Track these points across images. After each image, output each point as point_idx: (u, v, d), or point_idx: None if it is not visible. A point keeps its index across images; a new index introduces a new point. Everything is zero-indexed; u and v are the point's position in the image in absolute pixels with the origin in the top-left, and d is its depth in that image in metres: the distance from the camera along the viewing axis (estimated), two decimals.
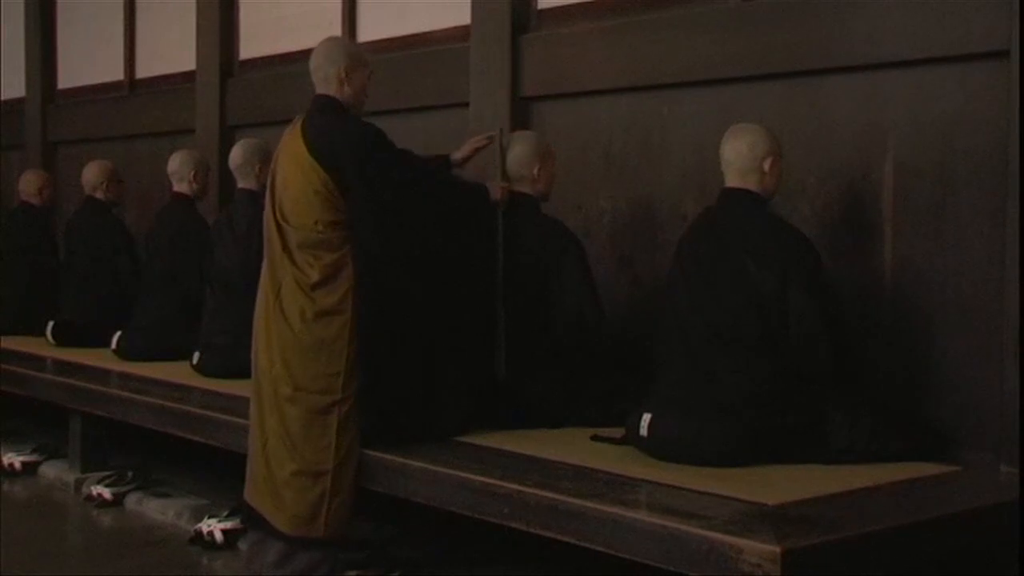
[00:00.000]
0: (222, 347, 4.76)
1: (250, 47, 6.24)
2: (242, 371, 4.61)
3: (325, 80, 3.76)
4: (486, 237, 3.81)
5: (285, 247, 3.60)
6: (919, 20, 3.53)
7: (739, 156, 3.48)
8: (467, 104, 4.80)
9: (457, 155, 3.96)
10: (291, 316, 3.55)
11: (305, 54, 5.81)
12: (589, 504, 2.88)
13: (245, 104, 6.14)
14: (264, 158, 4.91)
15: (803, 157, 3.82)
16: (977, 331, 3.43)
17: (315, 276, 3.54)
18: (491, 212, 3.83)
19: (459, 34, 5.02)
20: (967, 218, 3.47)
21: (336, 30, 5.66)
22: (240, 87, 6.20)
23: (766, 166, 3.49)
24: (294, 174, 3.63)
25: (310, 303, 3.54)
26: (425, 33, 5.25)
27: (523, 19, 4.70)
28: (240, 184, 5.00)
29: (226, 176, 5.59)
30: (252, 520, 3.65)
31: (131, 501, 4.67)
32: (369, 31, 5.55)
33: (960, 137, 3.49)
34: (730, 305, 3.34)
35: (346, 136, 3.61)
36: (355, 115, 3.75)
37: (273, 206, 3.66)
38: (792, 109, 3.88)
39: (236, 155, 4.98)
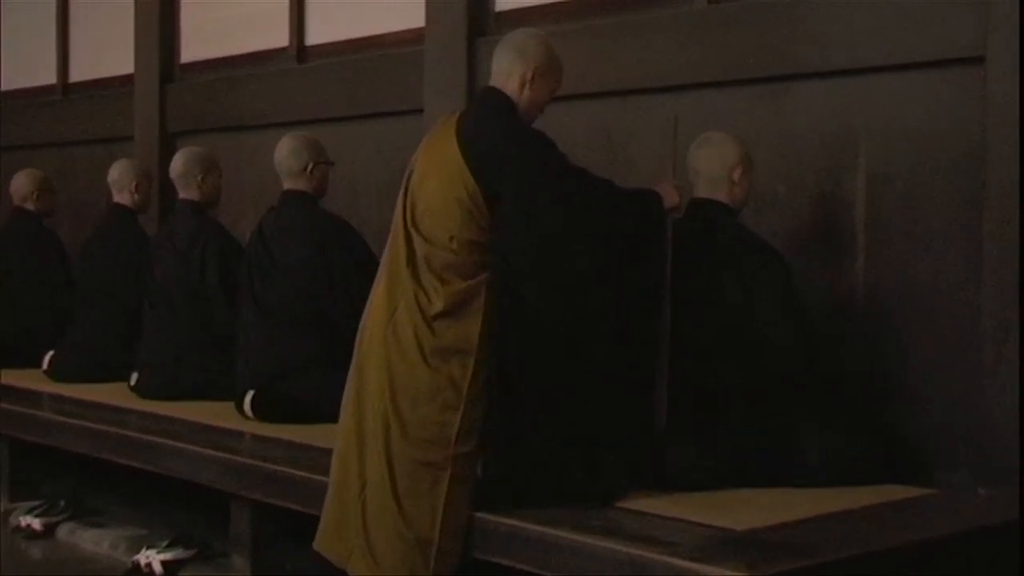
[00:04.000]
0: (161, 367, 4.72)
1: (192, 50, 6.20)
2: (183, 392, 4.63)
3: (507, 75, 3.33)
4: (652, 257, 3.27)
5: (411, 260, 3.18)
6: (891, 25, 3.56)
7: (708, 166, 3.51)
8: (421, 111, 4.80)
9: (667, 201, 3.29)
10: (406, 346, 3.12)
11: (251, 57, 5.93)
12: (549, 530, 2.86)
13: (186, 110, 6.11)
14: (207, 167, 4.91)
15: (772, 166, 3.84)
16: (953, 346, 3.47)
17: (439, 305, 3.09)
18: (660, 225, 3.27)
19: (413, 37, 5.02)
20: (941, 228, 3.51)
21: (283, 32, 5.66)
22: (181, 92, 6.15)
23: (736, 176, 3.51)
24: (436, 175, 3.20)
25: (429, 335, 3.10)
26: (377, 36, 5.24)
27: (480, 21, 4.71)
28: (181, 195, 4.95)
29: (166, 186, 5.56)
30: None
31: (63, 532, 4.59)
32: (318, 34, 5.54)
33: (934, 145, 3.53)
34: (699, 320, 3.35)
35: (510, 139, 3.18)
36: (524, 121, 3.33)
37: (404, 207, 3.25)
38: (760, 116, 3.91)
39: (177, 164, 4.94)
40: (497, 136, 3.21)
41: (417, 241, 3.20)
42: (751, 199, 3.68)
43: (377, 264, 4.30)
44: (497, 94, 3.35)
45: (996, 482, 3.25)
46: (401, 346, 3.14)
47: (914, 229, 3.57)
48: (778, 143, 3.87)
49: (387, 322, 3.18)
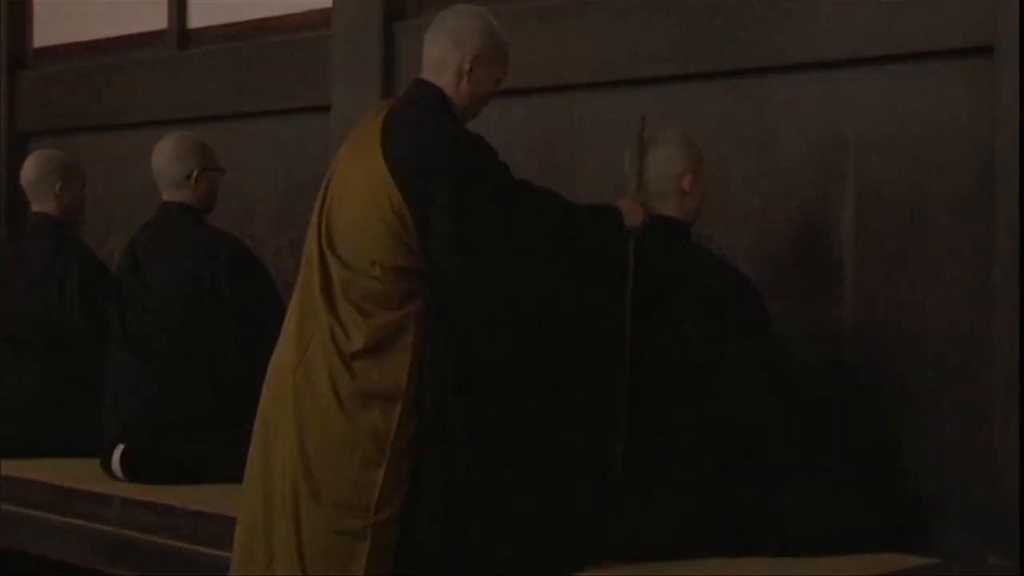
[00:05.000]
0: (10, 418, 4.62)
1: (48, 32, 6.15)
2: (36, 448, 4.52)
3: (440, 65, 3.32)
4: (611, 284, 3.34)
5: (326, 287, 3.16)
6: (886, 9, 3.59)
7: (653, 174, 3.51)
8: (328, 107, 4.79)
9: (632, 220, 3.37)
10: (319, 390, 3.10)
11: (121, 41, 5.86)
12: None
13: (41, 105, 6.04)
14: (67, 174, 4.86)
15: (746, 176, 3.87)
16: (957, 390, 3.49)
17: (359, 341, 3.08)
18: (620, 247, 3.36)
19: (319, 19, 5.01)
20: (945, 249, 3.53)
21: (161, 11, 5.62)
22: (34, 83, 6.09)
23: (686, 184, 3.51)
24: (357, 188, 3.19)
25: (347, 378, 3.08)
26: (275, 18, 5.24)
27: (398, 2, 4.70)
28: (34, 207, 4.89)
29: (15, 197, 5.47)
30: None
31: None
32: (203, 14, 5.52)
33: (936, 150, 3.56)
34: (653, 364, 3.35)
35: (442, 147, 3.18)
36: (462, 121, 3.35)
37: (319, 225, 3.23)
38: (732, 117, 3.93)
39: (29, 170, 4.89)
40: (428, 143, 3.19)
41: (333, 265, 3.17)
42: (720, 215, 3.69)
43: (277, 293, 4.32)
44: (429, 89, 3.33)
45: (1008, 549, 3.26)
46: (314, 391, 3.11)
47: (912, 251, 3.59)
48: (753, 148, 3.88)
49: (298, 362, 3.15)
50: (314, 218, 3.28)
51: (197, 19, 5.53)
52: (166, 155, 4.37)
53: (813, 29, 3.73)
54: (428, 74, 3.36)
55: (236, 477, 3.30)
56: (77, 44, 6.02)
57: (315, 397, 3.11)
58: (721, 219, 3.76)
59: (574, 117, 4.29)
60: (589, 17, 4.20)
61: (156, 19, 5.65)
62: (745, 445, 3.34)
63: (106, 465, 4.20)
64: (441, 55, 3.33)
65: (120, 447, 4.15)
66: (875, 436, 3.63)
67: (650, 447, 3.31)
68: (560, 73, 4.27)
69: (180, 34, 5.57)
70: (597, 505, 3.24)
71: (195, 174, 4.34)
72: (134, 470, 4.11)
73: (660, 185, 3.51)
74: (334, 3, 4.85)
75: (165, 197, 4.42)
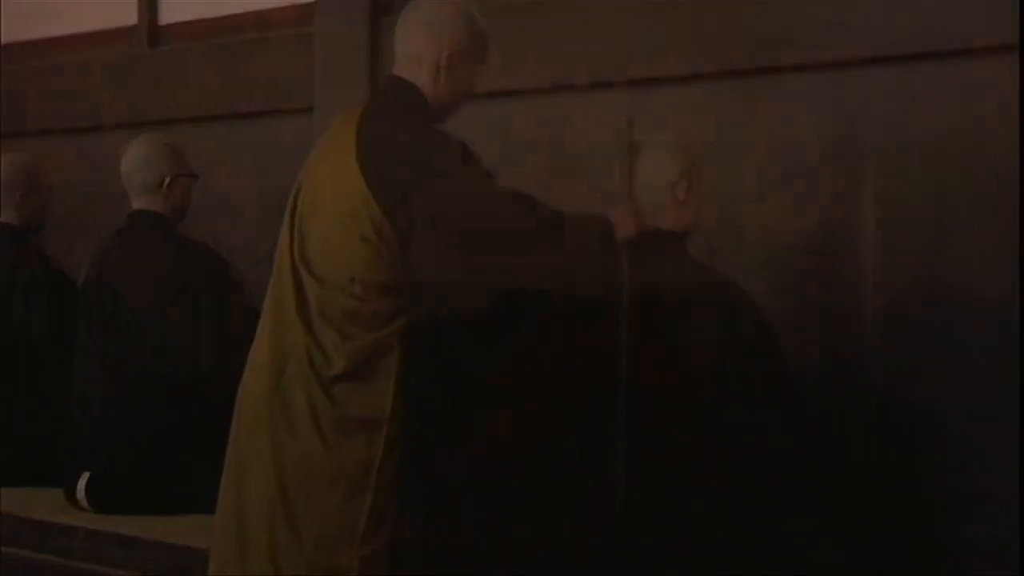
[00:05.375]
0: None
1: (13, 28, 6.11)
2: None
3: (415, 59, 3.24)
4: (603, 302, 3.30)
5: (301, 306, 3.13)
6: (905, 4, 3.58)
7: (646, 185, 3.46)
8: (311, 109, 4.78)
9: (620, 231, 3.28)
10: (297, 417, 3.08)
11: (89, 38, 5.84)
12: None
13: (4, 105, 5.99)
14: (29, 182, 4.86)
15: (753, 184, 3.85)
16: (991, 413, 3.45)
17: (340, 364, 3.06)
18: (612, 260, 3.29)
19: (300, 15, 5.02)
20: (973, 263, 3.51)
21: (131, 7, 5.62)
22: None
23: (680, 192, 3.46)
24: (332, 199, 3.14)
25: (327, 403, 3.07)
26: (254, 13, 5.26)
27: None
28: None
29: None
30: None
31: None
32: (176, 9, 5.52)
33: (961, 157, 3.54)
34: (651, 382, 3.30)
35: (418, 151, 3.13)
36: (438, 122, 3.28)
37: (291, 237, 3.20)
38: (739, 120, 3.91)
39: None
40: (407, 150, 3.13)
41: (308, 282, 3.13)
42: (732, 225, 3.69)
43: (254, 307, 4.28)
44: (404, 88, 3.26)
45: None
46: (291, 418, 3.08)
47: (937, 265, 3.58)
48: (763, 155, 3.87)
49: (273, 387, 3.12)
50: (284, 230, 3.23)
51: (169, 15, 5.54)
52: (136, 160, 4.34)
53: (826, 26, 3.72)
54: (402, 70, 3.28)
55: (208, 507, 3.27)
56: (42, 41, 6.03)
57: (293, 425, 3.08)
58: (731, 230, 3.74)
59: (575, 118, 4.28)
60: (590, 14, 4.19)
61: (126, 15, 5.67)
62: (749, 467, 3.30)
63: (70, 494, 4.18)
64: (417, 48, 3.25)
65: (86, 474, 4.13)
66: (898, 464, 3.61)
67: (651, 470, 3.27)
68: (560, 73, 4.26)
69: (151, 31, 5.57)
70: (595, 532, 3.22)
71: (167, 180, 4.32)
72: (101, 499, 4.09)
73: (653, 195, 3.46)
74: None
75: (135, 205, 4.40)
